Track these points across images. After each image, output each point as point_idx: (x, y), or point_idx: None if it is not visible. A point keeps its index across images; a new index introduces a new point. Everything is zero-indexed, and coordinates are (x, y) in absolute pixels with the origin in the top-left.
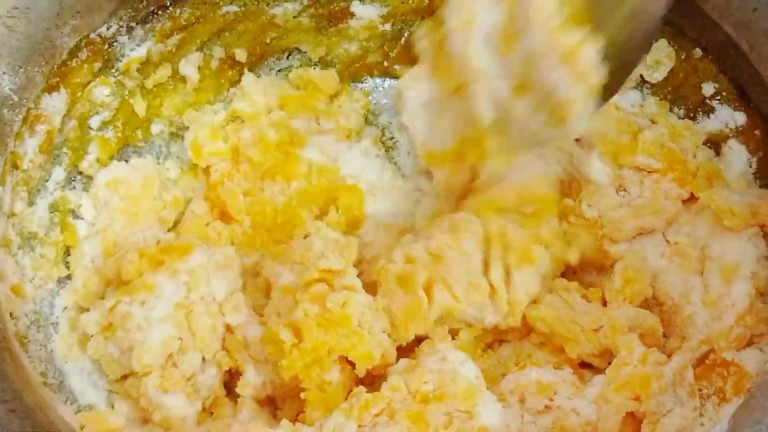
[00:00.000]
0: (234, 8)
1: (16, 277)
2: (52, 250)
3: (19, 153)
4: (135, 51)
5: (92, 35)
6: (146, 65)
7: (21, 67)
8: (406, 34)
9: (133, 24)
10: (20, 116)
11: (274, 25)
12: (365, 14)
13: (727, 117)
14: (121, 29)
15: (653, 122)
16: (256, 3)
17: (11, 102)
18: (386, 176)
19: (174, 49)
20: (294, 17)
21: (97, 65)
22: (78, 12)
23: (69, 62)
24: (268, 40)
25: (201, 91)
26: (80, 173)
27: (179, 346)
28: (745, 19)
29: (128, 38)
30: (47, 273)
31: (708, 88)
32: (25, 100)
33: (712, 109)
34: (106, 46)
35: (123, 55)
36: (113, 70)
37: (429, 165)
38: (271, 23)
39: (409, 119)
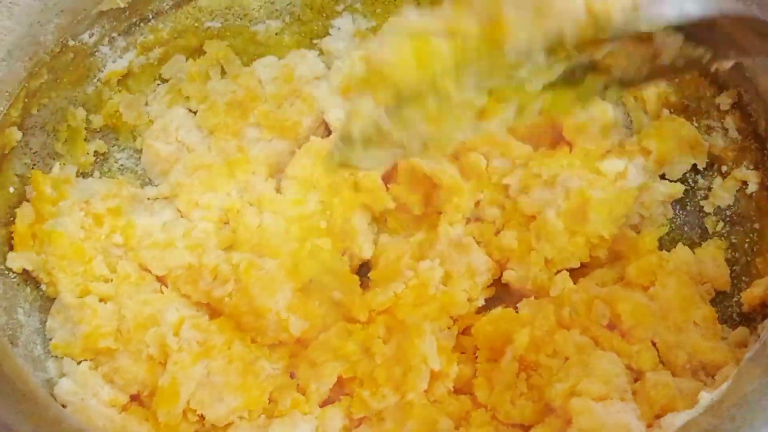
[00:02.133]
0: (216, 24)
1: None
2: None
3: None
4: (116, 62)
5: (75, 41)
6: (127, 77)
7: (3, 60)
8: None
9: (115, 34)
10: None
11: (256, 42)
12: (348, 30)
13: None
14: (103, 38)
15: None
16: (238, 20)
17: None
18: None
19: (156, 63)
20: (276, 34)
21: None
22: (62, 11)
23: (52, 63)
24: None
25: None
26: None
27: None
28: None
29: (110, 48)
30: None
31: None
32: (6, 93)
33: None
34: (89, 54)
35: (104, 66)
36: (95, 80)
37: None
38: (252, 40)
39: None
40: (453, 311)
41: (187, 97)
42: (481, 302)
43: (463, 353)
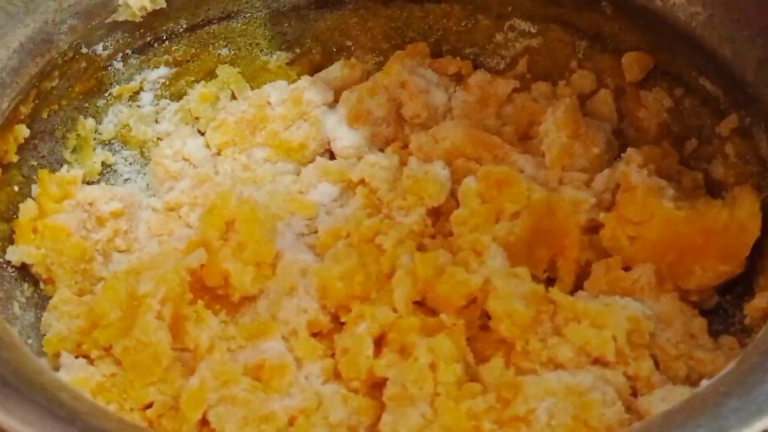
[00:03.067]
0: (228, 51)
1: None
2: None
3: None
4: (129, 79)
5: (88, 50)
6: (138, 94)
7: (15, 52)
8: None
9: (128, 51)
10: (8, 97)
11: (267, 70)
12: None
13: None
14: (116, 54)
15: None
16: (249, 48)
17: (1, 81)
18: None
19: (168, 83)
20: (286, 64)
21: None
22: (77, 13)
23: (64, 67)
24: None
25: None
26: None
27: None
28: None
29: (123, 65)
30: None
31: None
32: (15, 84)
33: None
34: (101, 67)
35: (116, 81)
36: (106, 94)
37: None
38: (263, 68)
39: None
40: None
41: (197, 118)
42: None
43: None
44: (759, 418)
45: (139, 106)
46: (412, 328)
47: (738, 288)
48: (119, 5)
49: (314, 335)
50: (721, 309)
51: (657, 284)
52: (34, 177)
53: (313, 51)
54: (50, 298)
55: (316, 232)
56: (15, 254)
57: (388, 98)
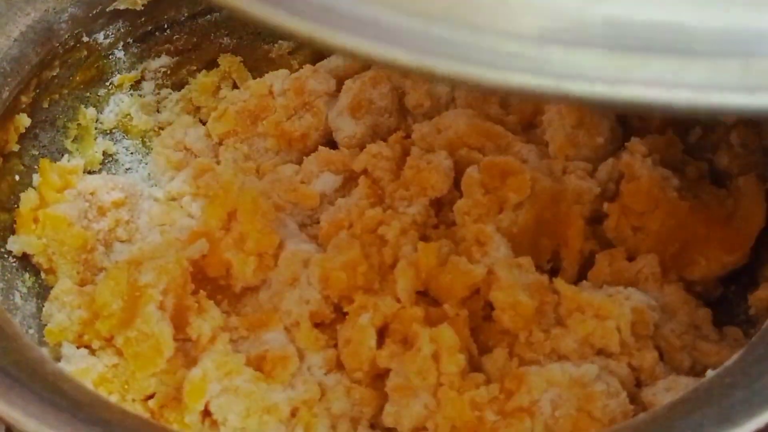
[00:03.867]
0: (230, 40)
1: None
2: None
3: None
4: (130, 68)
5: (89, 39)
6: (140, 83)
7: (16, 41)
8: None
9: (129, 40)
10: (9, 87)
11: (268, 59)
12: None
13: None
14: (117, 42)
15: None
16: (251, 37)
17: (2, 70)
18: None
19: (169, 72)
20: (288, 53)
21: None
22: (78, 1)
23: (65, 56)
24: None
25: None
26: None
27: None
28: None
29: (124, 54)
30: None
31: None
32: (16, 73)
33: None
34: (102, 56)
35: (118, 71)
36: (107, 83)
37: None
38: (265, 57)
39: None
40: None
41: (198, 107)
42: None
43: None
44: (765, 409)
45: (140, 96)
46: (415, 319)
47: (742, 278)
48: None
49: (316, 326)
50: (725, 300)
51: (661, 275)
52: (35, 166)
53: None
54: (51, 288)
55: (318, 222)
56: (16, 244)
57: (390, 88)
